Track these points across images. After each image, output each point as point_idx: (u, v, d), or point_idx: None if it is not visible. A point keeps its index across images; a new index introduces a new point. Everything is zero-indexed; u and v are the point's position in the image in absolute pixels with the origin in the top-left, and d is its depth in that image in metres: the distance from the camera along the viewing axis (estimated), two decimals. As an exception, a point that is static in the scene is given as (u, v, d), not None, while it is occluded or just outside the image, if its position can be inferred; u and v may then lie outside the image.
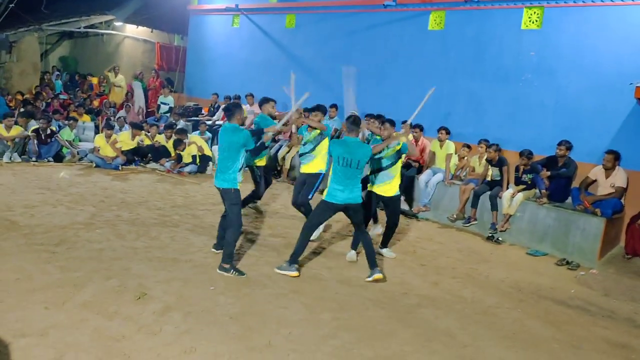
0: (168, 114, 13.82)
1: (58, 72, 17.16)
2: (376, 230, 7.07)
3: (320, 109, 7.04)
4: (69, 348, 3.79)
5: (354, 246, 6.41)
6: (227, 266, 5.45)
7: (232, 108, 5.67)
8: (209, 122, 12.82)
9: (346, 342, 4.34)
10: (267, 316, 4.64)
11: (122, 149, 10.43)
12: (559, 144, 7.87)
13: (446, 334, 4.73)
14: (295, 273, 5.61)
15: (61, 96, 15.05)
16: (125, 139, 10.69)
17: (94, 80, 16.92)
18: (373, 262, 5.74)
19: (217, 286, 5.15)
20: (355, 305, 5.09)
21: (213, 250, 6.06)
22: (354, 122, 5.70)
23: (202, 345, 4.03)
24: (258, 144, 6.08)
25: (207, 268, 5.58)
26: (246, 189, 6.92)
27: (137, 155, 10.72)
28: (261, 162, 7.34)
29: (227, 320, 4.49)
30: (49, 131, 10.32)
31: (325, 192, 5.68)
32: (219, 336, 4.20)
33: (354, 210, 5.68)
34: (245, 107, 12.80)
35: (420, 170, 9.32)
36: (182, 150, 10.54)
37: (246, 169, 6.16)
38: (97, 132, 12.01)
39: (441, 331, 4.76)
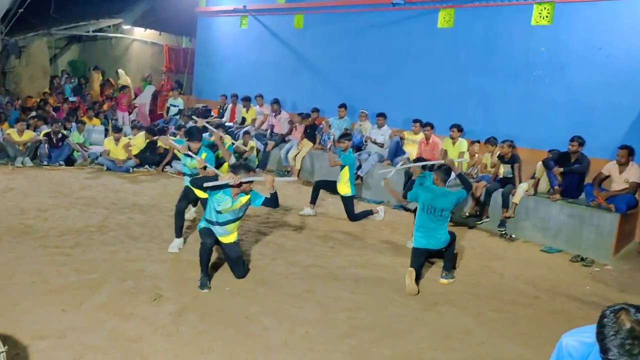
0: (177, 116, 13.86)
1: (67, 76, 17.25)
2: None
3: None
4: (87, 349, 3.80)
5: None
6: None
7: None
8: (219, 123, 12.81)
9: (363, 341, 4.33)
10: (283, 316, 4.64)
11: (134, 152, 10.45)
12: (571, 140, 7.79)
13: (462, 331, 4.70)
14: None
15: (71, 99, 15.14)
16: (138, 143, 10.70)
17: (96, 77, 16.84)
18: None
19: (232, 287, 5.16)
20: (371, 305, 5.07)
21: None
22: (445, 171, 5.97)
23: (219, 346, 4.03)
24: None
25: (222, 269, 5.59)
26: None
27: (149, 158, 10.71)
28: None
29: (243, 320, 4.48)
30: (60, 135, 10.38)
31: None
32: (235, 336, 4.20)
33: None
34: (255, 107, 12.83)
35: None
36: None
37: None
38: (107, 135, 12.06)
39: (457, 328, 4.74)
